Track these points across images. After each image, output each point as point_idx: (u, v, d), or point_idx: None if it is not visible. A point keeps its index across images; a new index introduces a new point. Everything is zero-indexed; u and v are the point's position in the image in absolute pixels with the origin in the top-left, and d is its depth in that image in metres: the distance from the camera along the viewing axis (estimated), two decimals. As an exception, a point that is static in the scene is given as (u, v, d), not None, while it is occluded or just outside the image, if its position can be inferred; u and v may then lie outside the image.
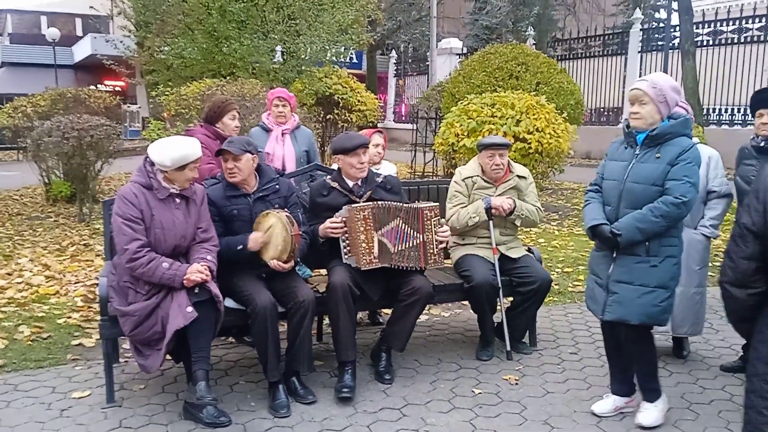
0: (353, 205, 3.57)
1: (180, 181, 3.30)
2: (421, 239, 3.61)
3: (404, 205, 3.63)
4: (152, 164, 3.30)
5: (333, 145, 3.81)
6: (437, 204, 3.74)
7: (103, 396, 3.40)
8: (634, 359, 3.20)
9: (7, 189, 11.61)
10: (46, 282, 5.53)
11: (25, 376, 3.74)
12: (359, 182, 3.76)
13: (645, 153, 3.06)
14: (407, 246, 3.60)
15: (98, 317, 3.97)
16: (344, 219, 3.56)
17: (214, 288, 3.23)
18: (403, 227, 3.59)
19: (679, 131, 3.05)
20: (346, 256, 3.58)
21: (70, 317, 4.66)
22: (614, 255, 3.11)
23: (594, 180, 3.35)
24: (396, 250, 3.58)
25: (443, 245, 3.71)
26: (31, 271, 5.85)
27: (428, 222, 3.61)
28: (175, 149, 3.24)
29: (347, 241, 3.57)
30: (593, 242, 3.27)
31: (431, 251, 3.63)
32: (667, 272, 3.06)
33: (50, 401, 3.42)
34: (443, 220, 3.77)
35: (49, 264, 6.12)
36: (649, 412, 3.18)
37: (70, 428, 3.13)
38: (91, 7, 17.65)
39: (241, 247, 3.43)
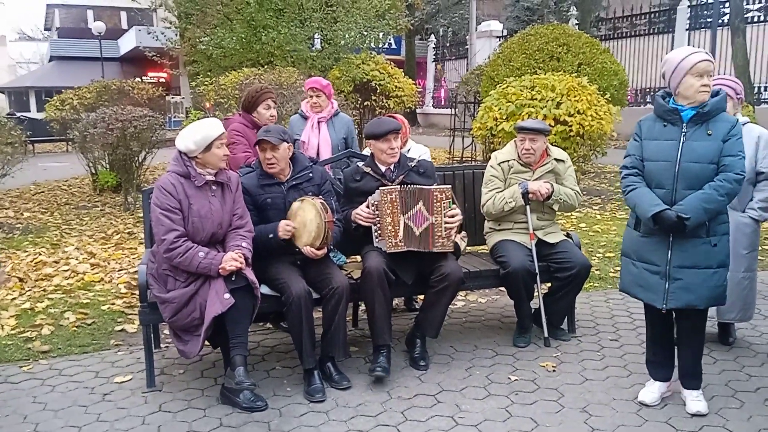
0: (383, 188, 3.56)
1: (213, 162, 3.32)
2: (431, 221, 3.54)
3: (424, 187, 3.57)
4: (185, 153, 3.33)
5: (365, 130, 3.80)
6: (449, 186, 3.67)
7: (144, 381, 3.48)
8: (690, 344, 3.12)
9: (56, 180, 11.96)
10: (92, 269, 5.68)
11: (70, 361, 3.85)
12: (391, 167, 3.75)
13: (694, 131, 2.92)
14: (422, 228, 3.55)
15: (140, 304, 4.06)
16: (376, 203, 3.54)
17: (251, 275, 3.26)
18: (423, 209, 3.54)
19: (722, 107, 2.97)
20: (376, 240, 3.58)
21: (113, 304, 4.78)
22: (671, 239, 2.96)
23: (629, 163, 3.09)
24: (418, 234, 3.55)
25: (453, 229, 3.59)
26: (77, 259, 6.02)
27: (438, 204, 3.52)
28: (195, 132, 3.29)
29: (378, 225, 3.57)
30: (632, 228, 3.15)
31: (439, 233, 3.54)
32: (724, 250, 2.99)
33: (93, 386, 3.51)
34: (455, 204, 3.64)
35: (94, 252, 6.29)
36: (701, 400, 3.10)
37: (111, 412, 3.21)
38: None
39: (271, 235, 3.45)
